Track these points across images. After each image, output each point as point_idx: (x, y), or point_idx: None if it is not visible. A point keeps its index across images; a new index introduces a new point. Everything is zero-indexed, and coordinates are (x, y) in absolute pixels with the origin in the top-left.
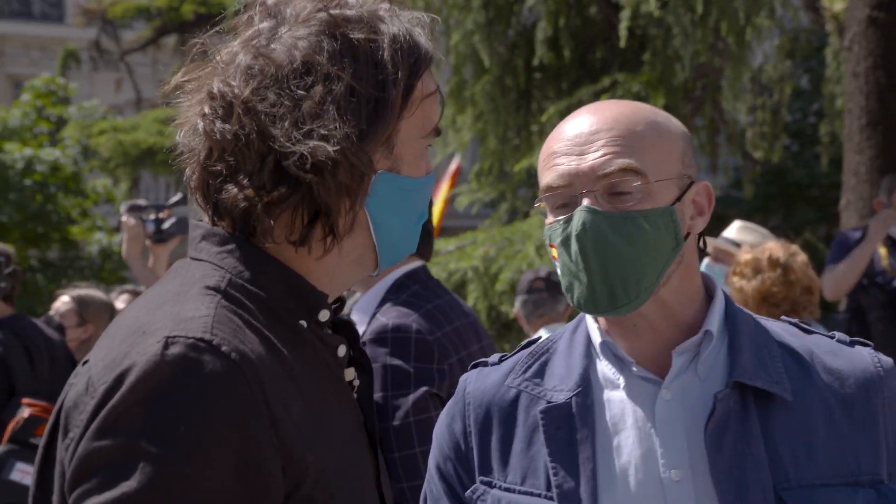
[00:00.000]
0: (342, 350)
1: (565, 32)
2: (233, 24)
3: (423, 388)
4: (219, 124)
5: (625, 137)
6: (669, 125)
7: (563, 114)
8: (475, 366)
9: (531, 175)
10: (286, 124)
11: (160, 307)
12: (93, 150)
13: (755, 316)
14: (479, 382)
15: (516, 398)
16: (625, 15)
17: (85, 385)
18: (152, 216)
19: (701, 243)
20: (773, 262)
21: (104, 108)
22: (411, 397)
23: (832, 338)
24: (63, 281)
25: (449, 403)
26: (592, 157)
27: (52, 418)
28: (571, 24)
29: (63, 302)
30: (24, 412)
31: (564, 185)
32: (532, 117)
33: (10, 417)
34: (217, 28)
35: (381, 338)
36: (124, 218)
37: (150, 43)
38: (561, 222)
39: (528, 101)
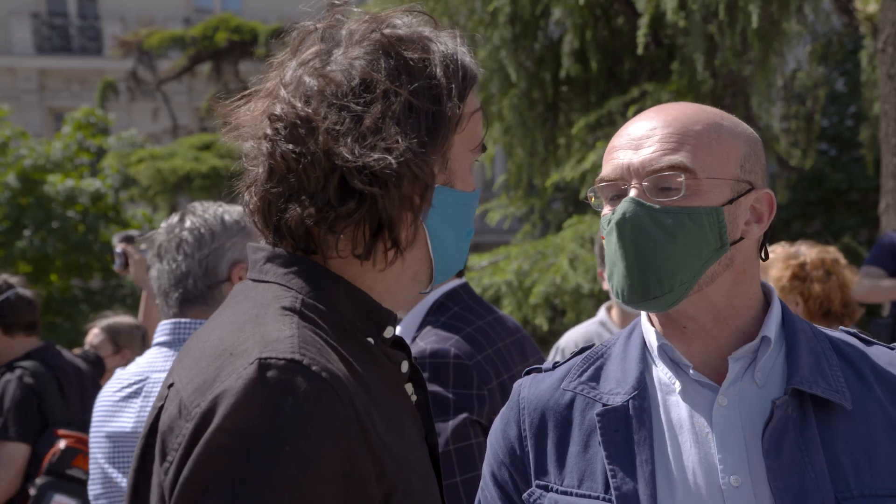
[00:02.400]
0: (405, 366)
1: (592, 45)
2: (281, 48)
3: (463, 415)
4: (283, 145)
5: (679, 135)
6: (735, 129)
7: (593, 126)
8: (529, 372)
9: (561, 189)
10: (349, 140)
11: (241, 328)
12: (132, 178)
13: (813, 325)
14: (534, 387)
15: (572, 402)
16: (643, 23)
17: (177, 408)
18: (143, 246)
19: (763, 253)
20: (816, 265)
21: (142, 136)
22: (451, 425)
23: (892, 349)
24: (104, 312)
25: (503, 410)
26: (645, 153)
27: (141, 442)
28: (598, 36)
29: (95, 335)
30: (60, 443)
31: (616, 178)
32: (559, 130)
33: (45, 450)
34: (252, 55)
35: (419, 363)
36: (120, 249)
37: (185, 71)
38: (610, 214)
39: (556, 114)
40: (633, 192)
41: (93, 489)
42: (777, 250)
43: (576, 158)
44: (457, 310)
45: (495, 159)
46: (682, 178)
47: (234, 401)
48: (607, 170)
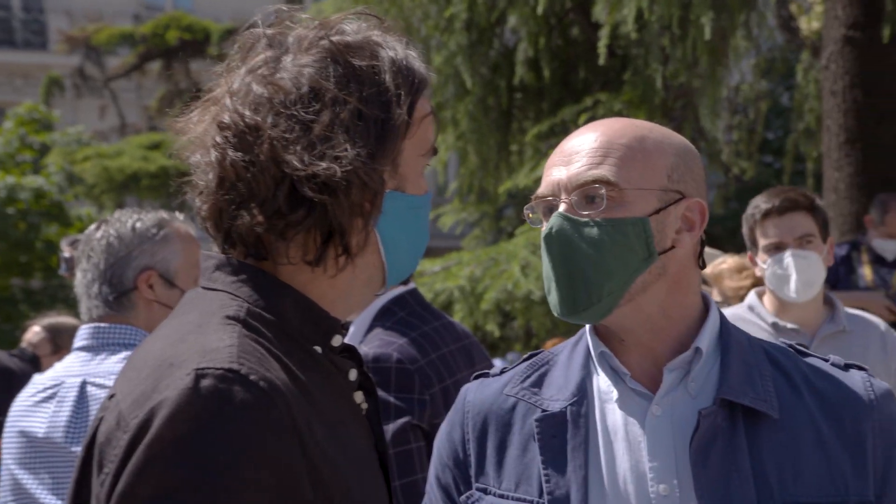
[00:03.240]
0: (353, 374)
1: (547, 53)
2: (232, 52)
3: (404, 420)
4: (231, 153)
5: (604, 149)
6: (662, 140)
7: (546, 134)
8: (477, 377)
9: (514, 195)
10: (298, 149)
11: (183, 339)
12: (77, 176)
13: (750, 336)
14: (479, 392)
15: (514, 407)
16: (604, 33)
17: (116, 420)
18: None
19: (700, 262)
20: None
21: (88, 134)
22: (391, 429)
23: (826, 360)
24: (46, 312)
25: (449, 414)
26: (573, 168)
27: (81, 454)
28: (553, 45)
29: (34, 332)
30: None
31: (548, 195)
32: (513, 137)
33: None
34: (205, 54)
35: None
36: (67, 253)
37: (134, 69)
38: (543, 229)
39: (510, 121)
40: (561, 207)
41: (2, 496)
42: (728, 261)
43: (529, 166)
44: (403, 315)
45: (448, 165)
46: (604, 191)
47: (169, 411)
48: (542, 186)
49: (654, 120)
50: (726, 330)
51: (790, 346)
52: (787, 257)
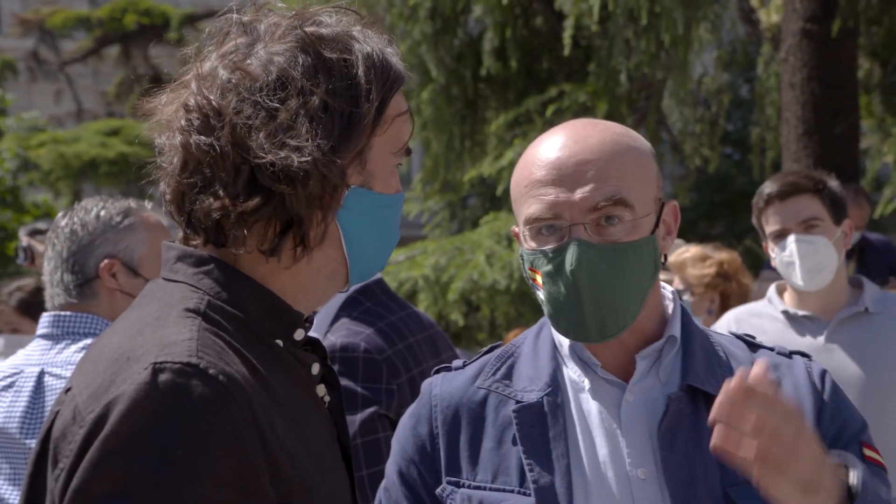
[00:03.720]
0: (315, 368)
1: (512, 43)
2: (203, 37)
3: (371, 409)
4: (195, 136)
5: (611, 170)
6: (646, 148)
7: (511, 124)
8: (437, 371)
9: (478, 185)
10: (261, 136)
11: (141, 332)
12: (32, 162)
13: (705, 328)
14: (446, 385)
15: (485, 399)
16: (569, 24)
17: (72, 414)
18: None
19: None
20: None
21: (43, 119)
22: (358, 418)
23: (772, 350)
24: None
25: (412, 408)
26: (584, 190)
27: (36, 448)
28: (518, 35)
29: None
30: None
31: (553, 217)
32: (478, 126)
33: None
34: (163, 39)
35: (329, 357)
36: (25, 243)
37: (91, 53)
38: (549, 252)
39: (475, 111)
40: (580, 234)
41: None
42: (691, 250)
43: (493, 155)
44: (369, 305)
45: (413, 154)
46: (628, 215)
47: (126, 406)
48: (537, 207)
49: (618, 111)
50: (687, 321)
51: (740, 337)
52: (790, 243)
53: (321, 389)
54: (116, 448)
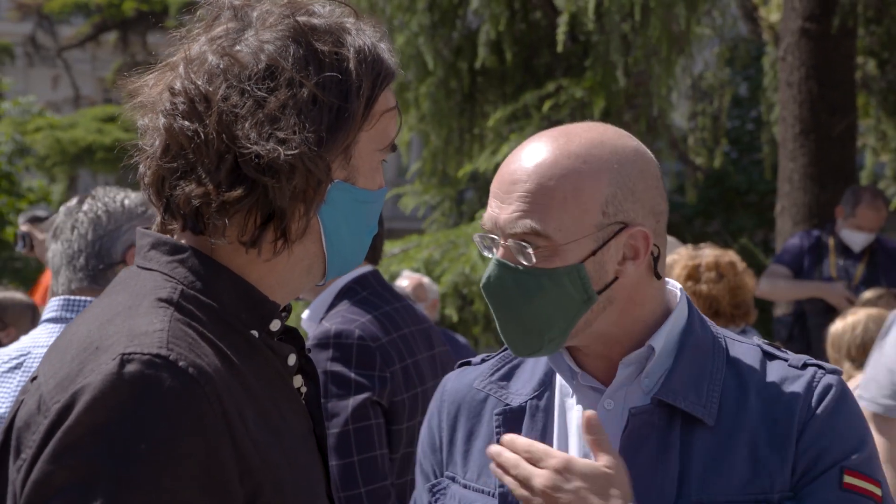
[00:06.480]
0: (292, 359)
1: (509, 36)
2: (195, 23)
3: (364, 395)
4: (179, 121)
5: (534, 194)
6: (600, 169)
7: (510, 119)
8: (461, 365)
9: (475, 178)
10: (247, 125)
11: (111, 321)
12: (28, 147)
13: (720, 335)
14: (457, 381)
15: (486, 398)
16: (563, 20)
17: (36, 404)
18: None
19: (656, 272)
20: (710, 267)
21: (40, 104)
22: (351, 404)
23: (787, 361)
24: None
25: (431, 401)
26: (507, 211)
27: (0, 437)
28: (515, 29)
29: None
30: None
31: (488, 230)
32: (476, 120)
33: None
34: (162, 26)
35: (323, 343)
36: (25, 230)
37: (88, 39)
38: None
39: (473, 105)
40: (498, 252)
41: None
42: (681, 251)
43: (490, 149)
44: (365, 294)
45: (411, 146)
46: (536, 243)
47: (91, 397)
48: (485, 215)
49: (614, 107)
50: (690, 330)
51: (759, 347)
52: None
53: (298, 380)
54: (79, 440)
